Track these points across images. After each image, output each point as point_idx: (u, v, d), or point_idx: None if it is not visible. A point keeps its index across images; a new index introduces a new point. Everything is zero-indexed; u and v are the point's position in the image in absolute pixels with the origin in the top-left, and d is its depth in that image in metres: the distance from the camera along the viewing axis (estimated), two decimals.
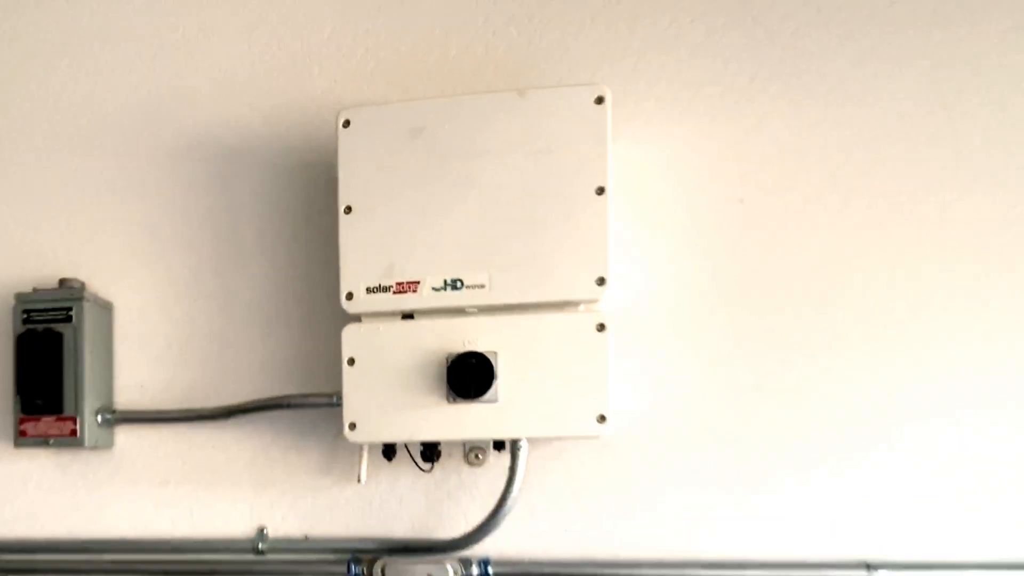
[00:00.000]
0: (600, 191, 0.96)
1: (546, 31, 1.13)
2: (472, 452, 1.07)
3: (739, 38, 1.10)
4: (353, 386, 0.98)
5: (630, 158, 1.09)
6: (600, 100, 0.97)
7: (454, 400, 0.96)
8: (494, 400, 0.95)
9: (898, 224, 1.06)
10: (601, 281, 0.95)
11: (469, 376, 0.94)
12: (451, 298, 0.97)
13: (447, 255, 0.97)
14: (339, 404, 0.98)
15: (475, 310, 0.98)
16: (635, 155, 1.09)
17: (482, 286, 0.96)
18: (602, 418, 0.94)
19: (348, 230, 0.99)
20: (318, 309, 1.12)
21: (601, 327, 0.95)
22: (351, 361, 0.98)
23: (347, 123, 1.00)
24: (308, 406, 1.05)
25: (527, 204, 0.96)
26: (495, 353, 0.96)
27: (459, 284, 0.97)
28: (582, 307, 0.98)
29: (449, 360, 0.96)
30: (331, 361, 1.04)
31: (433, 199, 0.97)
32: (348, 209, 0.99)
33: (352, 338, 0.99)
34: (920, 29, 1.07)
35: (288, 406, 1.05)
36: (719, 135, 1.10)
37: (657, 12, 1.12)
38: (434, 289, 0.97)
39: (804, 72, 1.09)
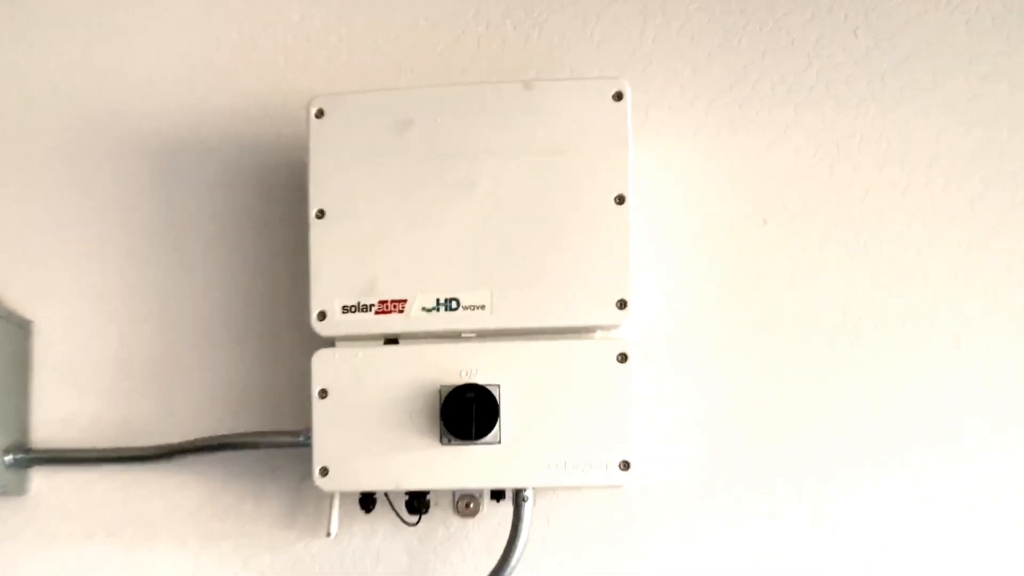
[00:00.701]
0: (620, 200, 0.83)
1: (546, 28, 1.01)
2: (462, 500, 0.91)
3: (761, 42, 1.00)
4: (325, 423, 0.82)
5: (640, 171, 0.96)
6: (619, 96, 0.84)
7: (449, 441, 0.81)
8: (496, 442, 0.81)
9: (937, 247, 0.96)
10: (622, 304, 0.81)
11: (469, 413, 0.79)
12: (445, 320, 0.82)
13: (440, 270, 0.83)
14: (308, 444, 0.83)
15: (473, 335, 0.83)
16: (646, 168, 0.96)
17: (482, 307, 0.82)
18: (625, 465, 0.80)
19: (320, 238, 0.84)
20: (282, 331, 0.96)
21: (623, 357, 0.82)
22: (323, 393, 0.83)
23: (320, 113, 0.85)
24: (269, 446, 0.88)
25: (535, 213, 0.83)
26: (498, 386, 0.81)
27: (455, 304, 0.82)
28: (598, 333, 0.84)
29: (443, 394, 0.81)
30: (297, 393, 0.88)
31: (424, 204, 0.83)
32: (320, 213, 0.84)
33: (324, 366, 0.83)
34: (958, 37, 0.98)
35: (244, 446, 0.89)
36: (740, 147, 0.99)
37: (671, 10, 1.00)
38: (425, 309, 0.83)
39: (832, 82, 0.99)
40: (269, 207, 0.99)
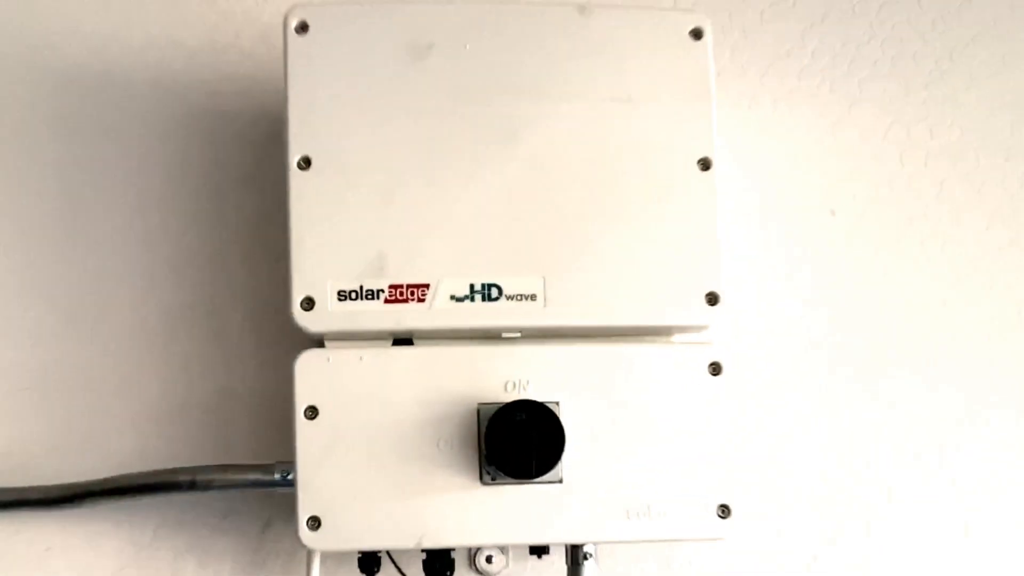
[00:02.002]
0: (705, 165, 0.64)
1: None
2: (481, 555, 0.68)
3: (819, 5, 0.84)
4: (315, 454, 0.58)
5: None
6: (698, 35, 0.66)
7: (493, 480, 0.58)
8: (556, 481, 0.59)
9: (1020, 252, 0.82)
10: (712, 299, 0.62)
11: (525, 442, 0.56)
12: (481, 314, 0.60)
13: (476, 245, 0.61)
14: (288, 483, 0.58)
15: (517, 335, 0.61)
16: None
17: (532, 297, 0.61)
18: (724, 510, 0.60)
19: (305, 195, 0.60)
20: (250, 325, 0.70)
21: (715, 368, 0.62)
22: (311, 412, 0.59)
23: (303, 27, 0.62)
24: (230, 486, 0.62)
25: (597, 176, 0.63)
26: (557, 404, 0.59)
27: (495, 292, 0.61)
28: (676, 337, 0.64)
29: (483, 415, 0.58)
30: (272, 411, 0.63)
31: (450, 155, 0.62)
32: (305, 162, 0.61)
33: (312, 374, 0.59)
34: None
35: (192, 486, 0.62)
36: (800, 124, 0.83)
37: None
38: (454, 299, 0.60)
39: (898, 57, 0.84)
40: (224, 167, 0.74)
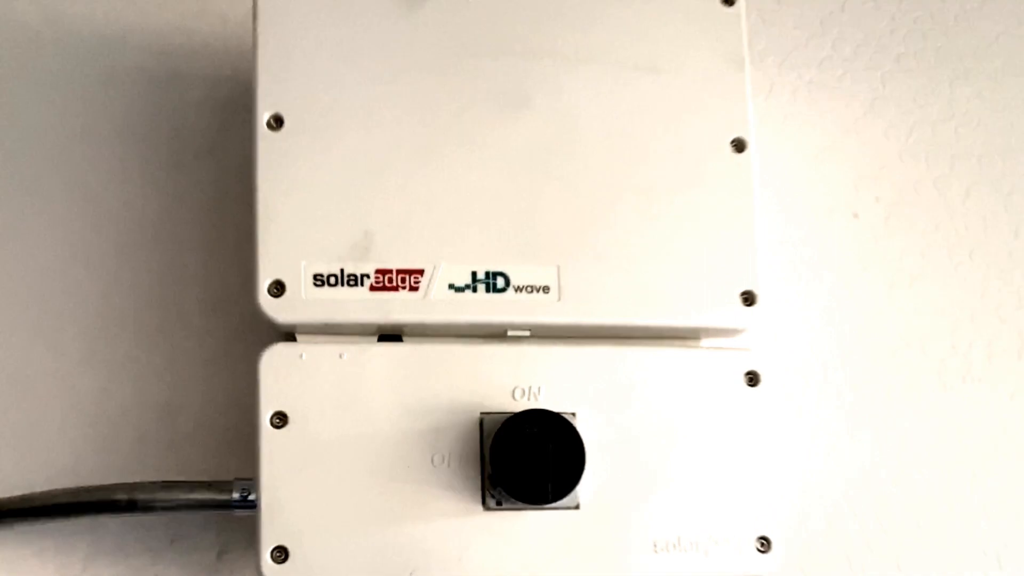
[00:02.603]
0: (739, 147, 0.56)
1: None
2: None
3: None
4: (282, 470, 0.47)
5: None
6: (730, 0, 0.58)
7: (499, 504, 0.48)
8: (573, 506, 0.49)
9: None
10: (749, 299, 0.53)
11: (539, 460, 0.47)
12: (485, 307, 0.51)
13: (479, 227, 0.52)
14: (250, 505, 0.48)
15: (526, 332, 0.52)
16: None
17: (544, 289, 0.51)
18: (764, 543, 0.51)
19: (277, 161, 0.50)
20: (209, 319, 0.59)
21: (752, 378, 0.53)
22: (278, 419, 0.48)
23: None
24: (177, 507, 0.50)
25: (620, 154, 0.54)
26: (573, 415, 0.50)
27: (501, 283, 0.51)
28: (704, 341, 0.55)
29: (488, 425, 0.49)
30: (231, 418, 0.53)
31: (450, 120, 0.52)
32: (276, 121, 0.51)
33: (281, 373, 0.49)
34: None
35: (131, 506, 0.50)
36: (821, 117, 0.76)
37: None
38: (453, 288, 0.51)
39: (921, 53, 0.78)
40: (194, 133, 0.63)
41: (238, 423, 0.49)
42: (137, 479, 0.51)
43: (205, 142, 0.63)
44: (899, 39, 0.78)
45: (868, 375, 0.71)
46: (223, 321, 0.57)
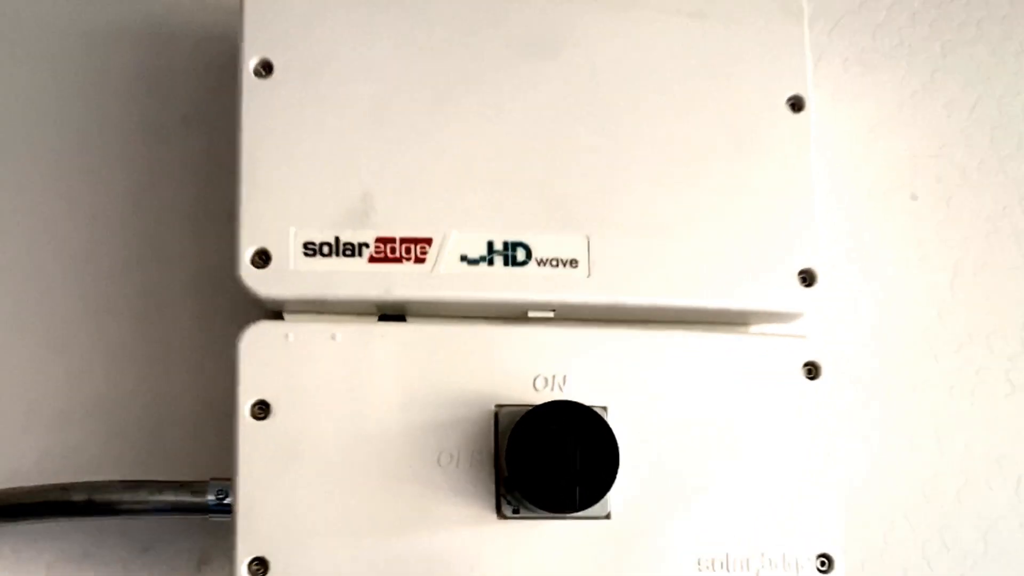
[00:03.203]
0: (796, 106, 0.49)
1: None
2: None
3: None
4: (263, 469, 0.40)
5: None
6: None
7: (516, 512, 0.41)
8: (603, 516, 0.42)
9: None
10: (807, 278, 0.46)
11: (565, 461, 0.40)
12: (502, 282, 0.44)
13: (496, 190, 0.45)
14: (225, 509, 0.41)
15: (550, 313, 0.45)
16: None
17: (572, 263, 0.44)
18: (826, 562, 0.43)
19: (265, 112, 0.44)
20: (188, 302, 0.52)
21: (812, 371, 0.46)
22: (260, 409, 0.41)
23: None
24: (138, 510, 0.43)
25: (660, 111, 0.47)
26: (604, 409, 0.43)
27: (522, 255, 0.44)
28: (753, 327, 0.48)
29: (504, 419, 0.42)
30: (218, 410, 0.46)
31: (464, 71, 0.45)
32: (265, 68, 0.44)
33: (264, 356, 0.42)
34: None
35: (88, 508, 0.43)
36: (875, 90, 0.69)
37: None
38: (465, 260, 0.44)
39: (984, 21, 0.71)
40: (178, 98, 0.56)
41: (226, 416, 0.42)
42: (95, 478, 0.43)
43: (191, 107, 0.56)
44: (961, 5, 0.71)
45: (929, 374, 0.63)
46: (208, 302, 0.50)
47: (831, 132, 0.66)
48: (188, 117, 0.56)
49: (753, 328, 0.48)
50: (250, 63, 0.44)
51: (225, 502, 0.41)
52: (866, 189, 0.66)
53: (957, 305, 0.65)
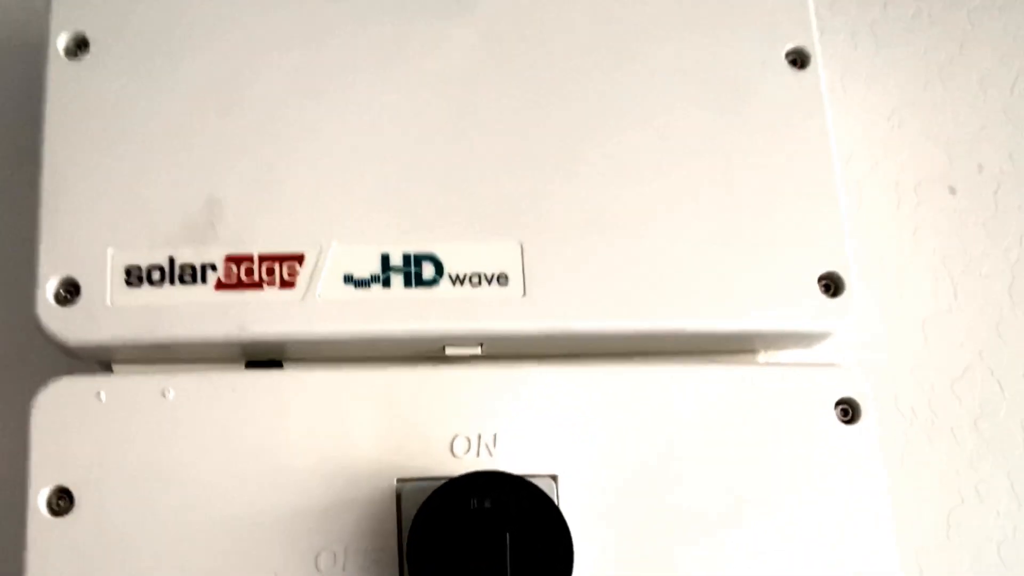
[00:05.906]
0: (799, 61, 0.37)
1: None
2: None
3: None
4: None
5: None
6: None
7: None
8: None
9: None
10: (831, 285, 0.34)
11: (489, 555, 0.27)
12: (403, 309, 0.31)
13: (391, 186, 0.33)
14: None
15: (476, 349, 0.33)
16: None
17: (502, 279, 0.32)
18: None
19: (75, 98, 0.33)
20: None
21: (848, 411, 0.33)
22: (58, 501, 0.29)
23: None
24: None
25: (616, 74, 0.35)
26: (552, 481, 0.30)
27: (431, 270, 0.32)
28: (762, 356, 0.35)
29: (407, 498, 0.29)
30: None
31: (350, 32, 0.34)
32: (78, 44, 0.33)
33: (66, 423, 0.30)
34: None
35: None
36: (898, 66, 0.58)
37: None
38: (351, 282, 0.32)
39: None
40: None
41: (13, 509, 0.30)
42: None
43: None
44: None
45: (990, 404, 0.50)
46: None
47: (843, 118, 0.55)
48: None
49: (762, 357, 0.35)
50: (59, 40, 0.33)
51: None
52: (892, 184, 0.54)
53: (1016, 319, 0.53)
